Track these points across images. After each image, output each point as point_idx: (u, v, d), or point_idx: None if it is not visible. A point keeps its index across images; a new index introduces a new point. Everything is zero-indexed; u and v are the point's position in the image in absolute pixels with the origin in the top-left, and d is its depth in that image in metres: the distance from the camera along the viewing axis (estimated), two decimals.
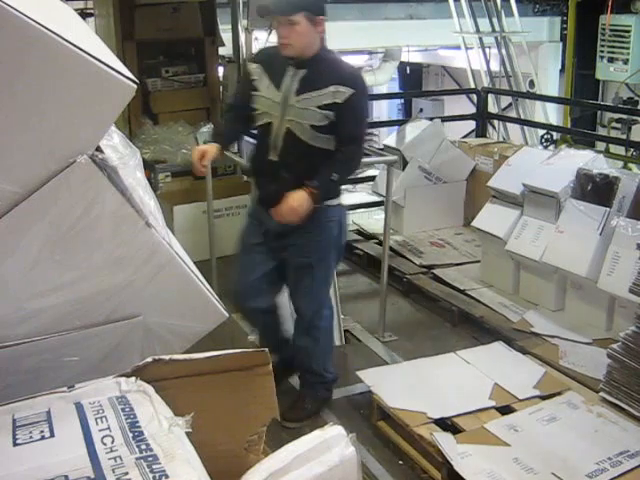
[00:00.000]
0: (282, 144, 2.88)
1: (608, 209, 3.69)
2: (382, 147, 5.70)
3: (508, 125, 8.23)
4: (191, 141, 5.52)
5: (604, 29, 7.91)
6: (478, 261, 4.71)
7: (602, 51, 7.99)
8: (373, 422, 3.18)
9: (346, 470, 1.26)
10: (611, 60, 7.92)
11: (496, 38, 8.62)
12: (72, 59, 1.45)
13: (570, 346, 3.65)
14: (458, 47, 9.02)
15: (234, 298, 3.21)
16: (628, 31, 7.71)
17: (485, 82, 8.51)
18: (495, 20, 8.61)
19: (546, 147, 7.46)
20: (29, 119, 1.49)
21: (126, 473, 1.13)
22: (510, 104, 8.70)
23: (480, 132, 6.25)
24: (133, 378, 1.39)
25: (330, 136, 2.85)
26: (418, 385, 3.27)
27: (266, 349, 1.55)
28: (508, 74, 8.60)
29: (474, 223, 4.51)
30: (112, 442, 1.21)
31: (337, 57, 3.03)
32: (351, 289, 4.73)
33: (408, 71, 11.98)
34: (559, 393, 3.19)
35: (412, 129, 5.51)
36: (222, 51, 5.93)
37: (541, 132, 7.95)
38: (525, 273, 4.25)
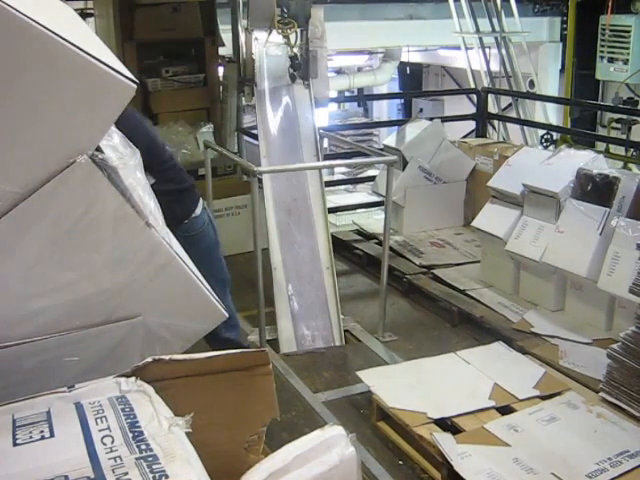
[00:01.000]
0: None
1: (608, 209, 3.69)
2: (382, 147, 5.71)
3: (508, 125, 8.23)
4: (191, 141, 5.53)
5: (604, 29, 7.91)
6: (478, 261, 4.71)
7: (602, 51, 7.99)
8: (373, 422, 3.18)
9: (346, 470, 1.26)
10: (611, 60, 7.92)
11: (496, 38, 8.62)
12: (72, 59, 1.45)
13: (570, 346, 3.65)
14: (458, 47, 9.02)
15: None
16: (628, 31, 7.71)
17: (485, 82, 8.51)
18: (495, 20, 8.61)
19: (546, 147, 7.46)
20: (29, 119, 1.48)
21: (126, 473, 1.13)
22: (510, 104, 8.70)
23: (480, 132, 6.26)
24: (133, 378, 1.39)
25: None
26: (418, 385, 3.27)
27: (266, 349, 1.55)
28: (508, 74, 8.60)
29: (474, 223, 4.51)
30: (112, 442, 1.21)
31: None
32: (351, 289, 4.73)
33: (408, 71, 11.98)
34: (559, 393, 3.19)
35: (412, 129, 5.51)
36: (222, 51, 5.93)
37: (541, 132, 7.96)
38: (525, 273, 4.25)
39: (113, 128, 1.80)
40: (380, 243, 4.66)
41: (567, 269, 3.83)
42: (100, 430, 1.24)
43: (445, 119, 6.48)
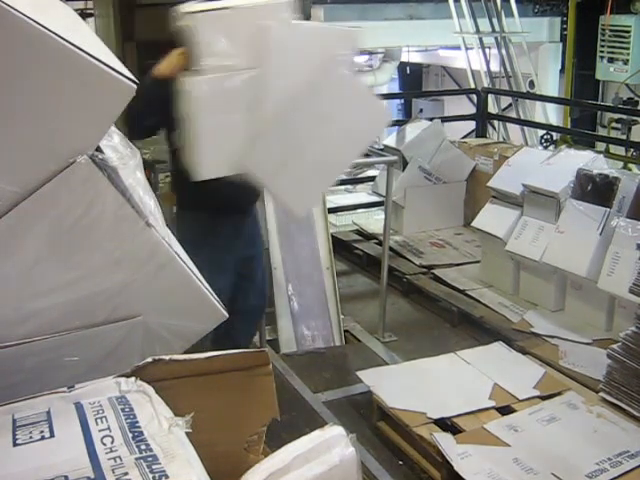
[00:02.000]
0: None
1: (608, 209, 3.69)
2: (382, 147, 5.70)
3: (508, 125, 8.23)
4: None
5: (604, 29, 7.91)
6: (478, 261, 4.71)
7: (602, 51, 7.99)
8: (373, 422, 3.18)
9: (346, 470, 1.26)
10: (611, 60, 7.91)
11: (496, 38, 8.61)
12: (72, 59, 1.45)
13: (570, 346, 3.65)
14: (458, 47, 9.01)
15: None
16: (628, 31, 7.71)
17: (485, 82, 8.50)
18: (495, 20, 8.61)
19: (546, 147, 7.46)
20: (29, 119, 1.48)
21: (126, 473, 1.12)
22: (510, 104, 8.69)
23: (480, 132, 6.26)
24: (133, 378, 1.39)
25: None
26: (418, 385, 3.27)
27: (266, 349, 1.55)
28: (508, 74, 8.60)
29: (474, 223, 4.51)
30: (112, 442, 1.21)
31: None
32: (351, 289, 4.73)
33: (408, 71, 11.98)
34: (559, 393, 3.19)
35: (412, 129, 5.51)
36: None
37: (541, 132, 7.95)
38: (525, 273, 4.25)
39: (113, 128, 1.80)
40: (380, 243, 4.66)
41: (567, 269, 3.84)
42: (100, 430, 1.24)
43: (445, 119, 6.49)
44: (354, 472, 1.28)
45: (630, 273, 3.25)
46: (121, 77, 1.52)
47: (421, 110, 11.56)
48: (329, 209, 4.52)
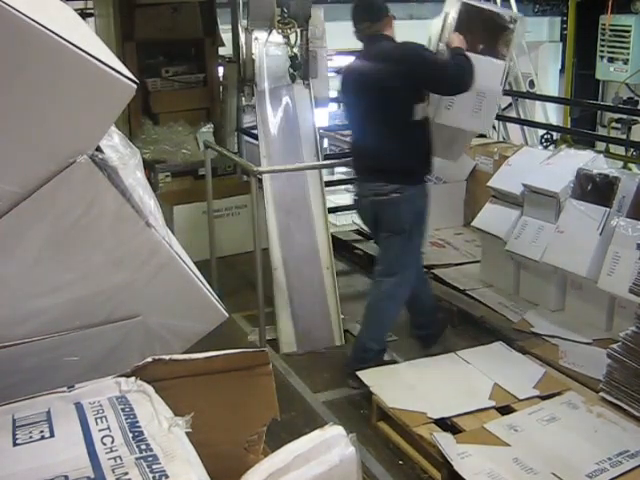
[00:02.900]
0: None
1: (608, 209, 3.69)
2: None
3: (508, 125, 8.22)
4: (191, 141, 5.53)
5: (604, 29, 7.91)
6: (478, 261, 4.70)
7: (602, 51, 7.98)
8: (373, 422, 3.18)
9: (346, 470, 1.26)
10: (611, 60, 7.91)
11: None
12: (72, 59, 1.45)
13: (570, 346, 3.65)
14: None
15: None
16: (628, 31, 7.70)
17: None
18: None
19: (546, 147, 7.45)
20: (29, 119, 1.49)
21: (126, 473, 1.13)
22: (510, 104, 8.69)
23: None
24: (133, 378, 1.39)
25: None
26: (418, 385, 3.27)
27: (266, 349, 1.55)
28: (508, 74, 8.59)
29: (474, 223, 4.51)
30: (112, 442, 1.21)
31: None
32: (351, 289, 4.73)
33: None
34: (559, 393, 3.19)
35: None
36: (222, 51, 5.93)
37: (541, 132, 7.94)
38: (525, 273, 4.25)
39: (113, 128, 1.80)
40: None
41: (567, 269, 3.83)
42: (100, 430, 1.24)
43: None
44: (354, 472, 1.28)
45: (630, 273, 3.25)
46: (121, 77, 1.52)
47: None
48: (329, 209, 4.52)
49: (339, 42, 7.88)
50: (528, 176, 4.15)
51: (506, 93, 8.57)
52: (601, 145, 6.93)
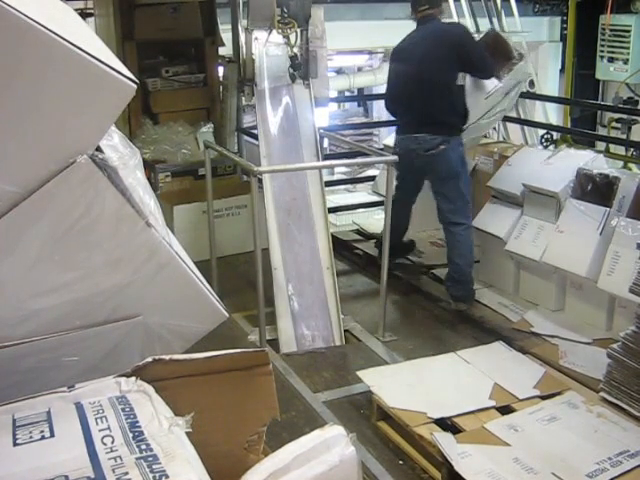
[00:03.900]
0: None
1: (608, 209, 3.69)
2: (382, 147, 5.70)
3: (508, 125, 8.22)
4: (191, 141, 5.53)
5: (604, 29, 7.91)
6: (478, 261, 4.70)
7: (602, 51, 7.98)
8: (373, 422, 3.18)
9: (346, 470, 1.26)
10: (611, 60, 7.91)
11: None
12: (72, 59, 1.45)
13: (570, 346, 3.65)
14: None
15: None
16: (628, 31, 7.70)
17: None
18: (495, 20, 8.59)
19: (546, 147, 7.45)
20: (29, 119, 1.49)
21: (126, 473, 1.13)
22: None
23: None
24: (133, 378, 1.39)
25: None
26: (418, 385, 3.27)
27: (266, 349, 1.55)
28: None
29: (474, 223, 4.51)
30: (112, 442, 1.21)
31: None
32: (351, 289, 4.73)
33: None
34: (559, 393, 3.19)
35: None
36: (222, 51, 5.93)
37: (541, 132, 7.95)
38: (525, 273, 4.25)
39: (113, 128, 1.80)
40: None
41: (567, 269, 3.83)
42: (100, 430, 1.24)
43: None
44: (354, 472, 1.28)
45: (630, 273, 3.25)
46: (121, 77, 1.52)
47: None
48: (329, 209, 4.52)
49: (339, 42, 7.90)
50: (528, 176, 4.15)
51: (506, 93, 8.61)
52: (601, 145, 6.93)
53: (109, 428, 1.24)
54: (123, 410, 1.29)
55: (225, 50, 5.91)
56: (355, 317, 4.26)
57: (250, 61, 4.61)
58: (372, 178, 5.80)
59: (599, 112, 8.55)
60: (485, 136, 6.30)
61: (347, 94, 12.00)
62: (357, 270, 5.04)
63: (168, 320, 1.82)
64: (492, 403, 3.09)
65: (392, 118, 4.99)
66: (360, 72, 12.15)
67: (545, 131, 7.86)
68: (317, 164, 4.45)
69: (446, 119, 4.18)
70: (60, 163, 1.53)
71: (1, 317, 1.60)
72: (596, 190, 3.77)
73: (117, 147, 1.77)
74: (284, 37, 4.32)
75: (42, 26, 1.41)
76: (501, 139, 7.36)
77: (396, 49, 4.47)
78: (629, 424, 2.93)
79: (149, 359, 1.43)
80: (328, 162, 4.86)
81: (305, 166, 4.33)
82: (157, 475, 1.12)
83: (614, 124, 7.66)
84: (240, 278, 4.77)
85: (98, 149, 1.60)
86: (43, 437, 1.23)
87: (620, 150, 6.84)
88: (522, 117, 8.15)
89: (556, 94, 9.02)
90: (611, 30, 7.83)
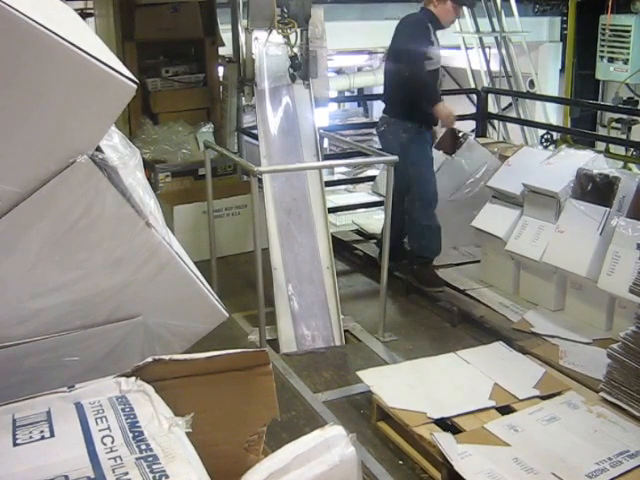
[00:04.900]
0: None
1: (608, 209, 3.69)
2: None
3: (508, 125, 8.23)
4: (191, 141, 5.53)
5: (604, 29, 7.92)
6: (478, 261, 4.71)
7: (602, 51, 7.99)
8: (373, 422, 3.18)
9: (346, 470, 1.26)
10: (611, 60, 7.92)
11: (496, 38, 8.62)
12: (72, 59, 1.45)
13: (570, 346, 3.65)
14: (458, 47, 9.02)
15: (435, 198, 4.43)
16: (628, 31, 7.71)
17: (485, 82, 8.51)
18: (495, 20, 8.61)
19: (546, 147, 7.46)
20: (29, 119, 1.49)
21: (126, 473, 1.13)
22: (510, 104, 8.70)
23: (480, 132, 6.25)
24: (133, 378, 1.39)
25: None
26: (418, 385, 3.27)
27: (266, 349, 1.55)
28: (508, 74, 8.60)
29: (474, 223, 4.51)
30: (112, 442, 1.21)
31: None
32: (351, 289, 4.73)
33: None
34: (559, 393, 3.19)
35: None
36: (222, 51, 5.93)
37: (541, 132, 7.96)
38: (525, 273, 4.25)
39: (113, 128, 1.80)
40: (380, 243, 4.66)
41: (567, 269, 3.83)
42: (100, 430, 1.24)
43: None
44: (354, 472, 1.28)
45: (630, 273, 3.25)
46: (121, 77, 1.52)
47: None
48: (329, 209, 4.52)
49: (339, 42, 7.91)
50: (528, 176, 4.15)
51: (506, 93, 8.63)
52: (601, 145, 6.94)
53: (109, 428, 1.24)
54: (123, 410, 1.29)
55: (225, 50, 5.91)
56: (355, 317, 4.26)
57: (250, 61, 4.61)
58: (372, 178, 5.80)
59: (599, 112, 8.56)
60: (485, 136, 6.33)
61: (347, 94, 12.01)
62: (357, 270, 5.04)
63: (168, 320, 1.82)
64: (492, 403, 3.09)
65: None
66: (360, 72, 12.17)
67: (545, 131, 7.87)
68: (317, 164, 4.45)
69: (395, 103, 4.47)
70: (60, 163, 1.53)
71: (1, 317, 1.60)
72: (596, 190, 3.77)
73: (117, 147, 1.77)
74: (284, 37, 4.32)
75: (42, 26, 1.41)
76: (501, 139, 7.38)
77: None
78: (629, 424, 2.93)
79: (149, 359, 1.43)
80: (328, 162, 4.87)
81: (305, 166, 4.33)
82: (157, 475, 1.12)
83: (614, 124, 7.66)
84: (240, 278, 4.77)
85: (98, 149, 1.60)
86: (43, 437, 1.23)
87: (620, 150, 6.85)
88: (522, 117, 8.17)
89: (556, 94, 9.03)
90: (611, 30, 7.84)
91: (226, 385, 1.51)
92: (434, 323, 4.23)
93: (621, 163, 6.50)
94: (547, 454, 2.74)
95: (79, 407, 1.31)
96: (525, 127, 8.09)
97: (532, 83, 8.87)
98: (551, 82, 9.48)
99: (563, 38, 9.16)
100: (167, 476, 1.12)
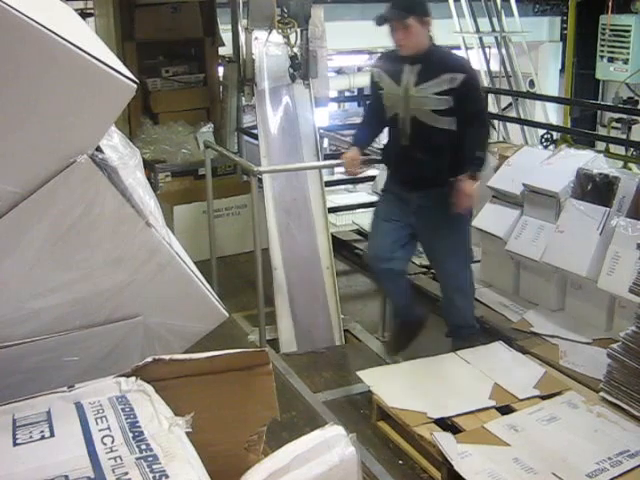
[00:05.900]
0: (410, 130, 3.30)
1: (608, 209, 3.69)
2: (382, 147, 5.69)
3: (508, 125, 8.23)
4: (191, 141, 5.53)
5: (604, 29, 7.92)
6: (478, 261, 4.70)
7: (602, 51, 8.00)
8: (373, 422, 3.18)
9: (346, 470, 1.26)
10: (611, 60, 7.92)
11: (496, 38, 8.62)
12: (72, 59, 1.45)
13: (570, 346, 3.65)
14: (458, 47, 9.01)
15: (371, 262, 3.61)
16: (628, 31, 7.72)
17: (485, 82, 8.51)
18: (495, 20, 8.61)
19: (546, 147, 7.46)
20: (29, 119, 1.49)
21: (126, 473, 1.13)
22: (510, 104, 8.70)
23: None
24: (133, 378, 1.39)
25: (451, 118, 3.24)
26: (418, 385, 3.27)
27: (266, 349, 1.55)
28: (508, 74, 8.60)
29: (474, 223, 4.50)
30: (112, 442, 1.21)
31: (445, 50, 3.54)
32: (351, 289, 4.73)
33: None
34: (559, 393, 3.19)
35: None
36: (222, 51, 5.93)
37: (541, 132, 7.96)
38: (525, 273, 4.25)
39: (113, 128, 1.80)
40: None
41: (567, 269, 3.83)
42: (100, 430, 1.24)
43: None
44: (354, 472, 1.28)
45: (630, 273, 3.24)
46: (121, 77, 1.52)
47: None
48: (329, 209, 4.52)
49: (339, 42, 7.91)
50: (528, 176, 4.15)
51: (506, 93, 8.62)
52: (601, 145, 6.94)
53: (109, 428, 1.24)
54: (123, 410, 1.29)
55: (225, 50, 5.91)
56: (355, 317, 4.26)
57: (250, 61, 4.61)
58: (372, 178, 5.80)
59: (599, 112, 8.56)
60: None
61: (347, 94, 12.00)
62: (357, 270, 5.04)
63: (168, 320, 1.82)
64: (492, 403, 3.09)
65: None
66: (360, 72, 12.15)
67: (545, 131, 7.87)
68: (317, 164, 4.45)
69: None
70: (60, 163, 1.53)
71: (1, 317, 1.60)
72: (596, 190, 3.77)
73: (117, 147, 1.77)
74: (284, 37, 4.32)
75: (42, 26, 1.41)
76: (501, 139, 7.38)
77: None
78: (629, 424, 2.93)
79: (149, 359, 1.43)
80: (328, 162, 4.86)
81: (305, 166, 4.33)
82: (157, 475, 1.12)
83: (614, 124, 7.67)
84: (240, 278, 4.77)
85: (98, 149, 1.60)
86: (43, 437, 1.23)
87: (620, 150, 6.84)
88: (522, 117, 8.17)
89: (556, 94, 9.03)
90: (611, 30, 7.84)
91: (226, 385, 1.51)
92: (434, 323, 4.23)
93: (621, 163, 6.50)
94: (547, 454, 2.74)
95: (79, 407, 1.31)
96: (525, 127, 8.09)
97: (532, 83, 8.88)
98: (551, 82, 9.49)
99: (563, 38, 9.17)
100: (167, 476, 1.12)
